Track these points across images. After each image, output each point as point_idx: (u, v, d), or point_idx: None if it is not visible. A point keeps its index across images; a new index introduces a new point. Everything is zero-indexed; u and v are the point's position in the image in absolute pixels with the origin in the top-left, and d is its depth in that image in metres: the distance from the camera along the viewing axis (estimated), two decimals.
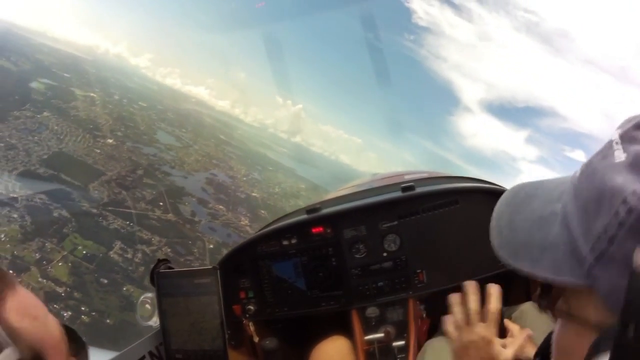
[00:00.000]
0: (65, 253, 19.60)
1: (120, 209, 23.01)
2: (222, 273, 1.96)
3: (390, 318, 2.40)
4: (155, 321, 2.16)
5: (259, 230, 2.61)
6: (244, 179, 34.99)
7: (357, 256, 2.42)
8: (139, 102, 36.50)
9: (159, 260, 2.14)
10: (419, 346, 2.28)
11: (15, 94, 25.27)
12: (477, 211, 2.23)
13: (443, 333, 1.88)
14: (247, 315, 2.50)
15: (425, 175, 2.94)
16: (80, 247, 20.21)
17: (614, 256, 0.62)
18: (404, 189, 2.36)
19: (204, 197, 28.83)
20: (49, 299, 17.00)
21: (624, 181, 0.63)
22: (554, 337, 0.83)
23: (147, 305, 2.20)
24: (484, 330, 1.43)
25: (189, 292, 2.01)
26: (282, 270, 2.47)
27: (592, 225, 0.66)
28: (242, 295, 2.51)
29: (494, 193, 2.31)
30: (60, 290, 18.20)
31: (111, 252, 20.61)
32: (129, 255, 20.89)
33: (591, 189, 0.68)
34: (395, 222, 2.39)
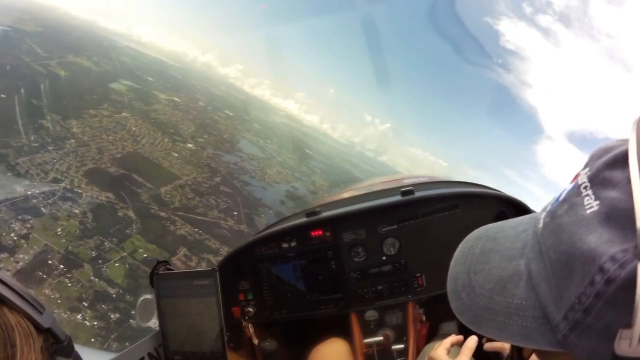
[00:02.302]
0: (124, 254, 18.86)
1: (191, 215, 22.19)
2: (221, 275, 1.95)
3: (390, 321, 2.41)
4: (154, 323, 2.16)
5: (259, 233, 2.59)
6: (325, 194, 33.09)
7: (357, 259, 2.42)
8: (225, 110, 36.20)
9: (159, 262, 2.12)
10: (418, 350, 2.32)
11: (93, 93, 25.20)
12: (477, 216, 2.26)
13: (442, 336, 2.18)
14: (247, 318, 2.50)
15: (424, 179, 2.95)
16: (141, 250, 19.43)
17: (592, 326, 0.56)
18: (404, 193, 2.35)
19: (282, 210, 27.69)
20: (97, 298, 16.49)
21: (598, 242, 0.54)
22: None
23: (146, 307, 2.19)
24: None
25: (188, 294, 2.01)
26: (281, 272, 2.47)
27: (562, 292, 0.59)
28: (242, 297, 2.51)
29: (493, 198, 2.34)
30: (112, 291, 17.49)
31: (174, 258, 19.53)
32: (193, 264, 19.90)
33: (559, 251, 0.60)
34: (395, 226, 2.39)
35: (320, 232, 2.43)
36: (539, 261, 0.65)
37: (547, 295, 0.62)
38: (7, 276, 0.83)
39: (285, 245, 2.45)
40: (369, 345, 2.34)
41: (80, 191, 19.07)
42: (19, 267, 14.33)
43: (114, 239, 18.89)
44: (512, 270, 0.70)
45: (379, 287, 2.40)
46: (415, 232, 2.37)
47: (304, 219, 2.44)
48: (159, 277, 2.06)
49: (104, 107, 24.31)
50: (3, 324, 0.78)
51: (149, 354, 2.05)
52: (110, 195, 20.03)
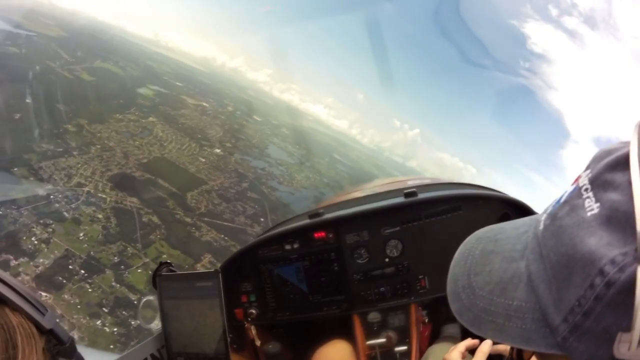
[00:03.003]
0: (147, 260, 18.32)
1: (217, 221, 21.61)
2: (224, 277, 1.98)
3: (392, 323, 2.40)
4: (157, 324, 2.17)
5: (262, 235, 2.60)
6: None
7: (359, 261, 2.41)
8: (254, 115, 35.85)
9: (161, 263, 2.16)
10: (421, 351, 2.31)
11: (120, 98, 25.08)
12: (480, 218, 2.23)
13: (444, 338, 2.33)
14: (249, 319, 2.49)
15: (427, 181, 2.97)
16: (164, 256, 18.74)
17: (591, 329, 0.56)
18: (407, 195, 2.35)
19: None
20: (117, 304, 16.16)
21: (598, 245, 0.55)
22: None
23: (149, 308, 2.19)
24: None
25: (191, 295, 2.01)
26: (284, 274, 2.47)
27: (563, 295, 0.59)
28: (244, 299, 2.50)
29: (496, 200, 2.32)
30: (133, 297, 17.06)
31: (198, 265, 18.90)
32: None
33: (559, 253, 0.60)
34: (398, 228, 2.37)
35: (323, 233, 2.42)
36: (539, 263, 0.65)
37: (547, 297, 0.61)
38: (8, 276, 0.81)
39: (288, 246, 2.45)
40: (372, 347, 2.35)
41: (104, 196, 18.80)
42: (38, 272, 14.19)
43: (137, 245, 18.50)
44: (512, 272, 0.69)
45: (382, 289, 2.40)
46: (418, 234, 2.36)
47: (306, 221, 2.43)
48: (162, 278, 2.07)
49: (130, 111, 24.14)
50: (5, 325, 0.78)
51: (152, 355, 2.04)
52: (135, 200, 19.61)
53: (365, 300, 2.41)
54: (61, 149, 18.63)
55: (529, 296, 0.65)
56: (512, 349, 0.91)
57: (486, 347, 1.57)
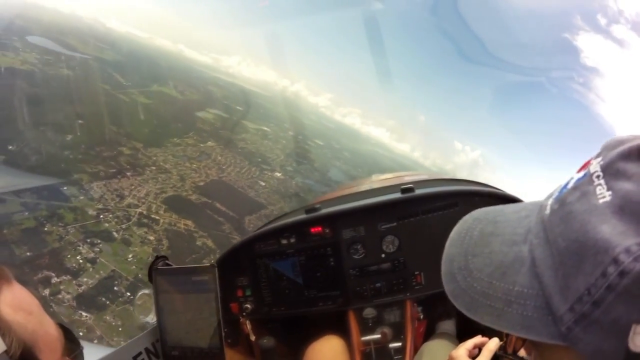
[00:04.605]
0: None
1: None
2: (220, 271, 1.97)
3: (387, 319, 2.40)
4: (152, 318, 2.18)
5: (258, 229, 2.62)
6: None
7: (356, 257, 2.42)
8: (315, 139, 34.94)
9: (157, 257, 2.16)
10: (416, 348, 2.31)
11: (178, 122, 24.99)
12: None
13: (439, 335, 2.35)
14: (245, 314, 2.49)
15: (424, 177, 2.99)
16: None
17: (599, 320, 0.54)
18: (404, 191, 2.35)
19: None
20: None
21: (612, 233, 0.53)
22: None
23: (145, 302, 2.24)
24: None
25: (186, 290, 2.01)
26: (280, 269, 2.47)
27: (570, 283, 0.57)
28: (240, 293, 2.51)
29: (494, 196, 2.34)
30: None
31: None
32: None
33: (569, 239, 0.58)
34: (394, 224, 2.38)
35: (319, 228, 2.41)
36: (544, 248, 0.61)
37: (553, 284, 0.59)
38: None
39: (284, 241, 2.44)
40: (367, 342, 2.34)
41: (157, 217, 18.29)
42: (80, 291, 13.66)
43: None
44: (513, 256, 0.66)
45: (378, 285, 2.39)
46: (414, 230, 2.36)
47: (303, 216, 2.45)
48: (158, 272, 2.07)
49: (189, 135, 23.96)
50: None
51: (147, 349, 2.05)
52: (189, 222, 18.92)
53: (361, 295, 2.40)
54: (114, 170, 18.38)
55: (532, 282, 0.61)
56: (505, 335, 0.89)
57: (493, 345, 1.56)
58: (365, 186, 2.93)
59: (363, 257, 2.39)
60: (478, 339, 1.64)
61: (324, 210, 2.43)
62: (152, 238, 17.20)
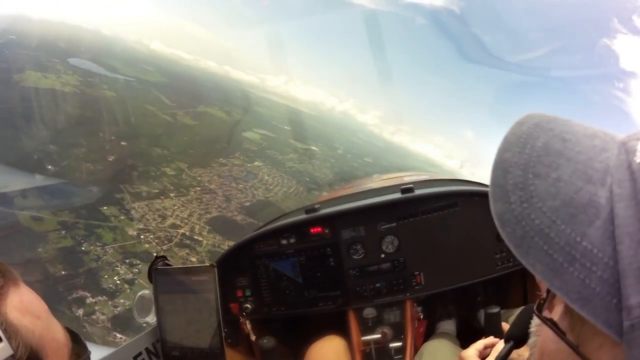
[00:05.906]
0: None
1: None
2: (220, 271, 1.96)
3: (387, 319, 2.39)
4: (152, 318, 2.15)
5: (258, 229, 2.59)
6: None
7: (355, 257, 2.41)
8: (364, 157, 34.39)
9: (157, 257, 2.13)
10: (416, 348, 2.29)
11: (224, 142, 24.72)
12: (476, 214, 2.24)
13: (440, 335, 2.29)
14: (245, 314, 2.48)
15: (424, 177, 2.98)
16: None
17: None
18: (403, 191, 2.34)
19: None
20: None
21: None
22: (540, 348, 0.60)
23: (144, 302, 2.18)
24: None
25: (186, 290, 2.00)
26: (280, 269, 2.46)
27: None
28: (240, 293, 2.50)
29: None
30: None
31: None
32: None
33: None
34: (394, 224, 2.37)
35: (319, 229, 2.40)
36: (630, 208, 0.45)
37: (630, 260, 0.43)
38: None
39: (284, 241, 2.43)
40: (367, 342, 2.32)
41: (200, 239, 17.62)
42: (116, 312, 13.05)
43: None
44: (587, 198, 0.48)
45: (377, 285, 2.38)
46: (414, 230, 2.35)
47: (303, 216, 2.44)
48: (158, 272, 2.06)
49: (235, 156, 23.58)
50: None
51: (147, 349, 2.04)
52: (231, 243, 18.31)
53: (361, 295, 2.39)
54: (157, 191, 18.01)
55: (605, 245, 0.45)
56: (546, 294, 0.59)
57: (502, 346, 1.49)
58: (365, 186, 2.94)
59: (363, 257, 2.39)
60: (490, 339, 1.59)
61: (324, 211, 2.43)
62: (194, 260, 16.45)
